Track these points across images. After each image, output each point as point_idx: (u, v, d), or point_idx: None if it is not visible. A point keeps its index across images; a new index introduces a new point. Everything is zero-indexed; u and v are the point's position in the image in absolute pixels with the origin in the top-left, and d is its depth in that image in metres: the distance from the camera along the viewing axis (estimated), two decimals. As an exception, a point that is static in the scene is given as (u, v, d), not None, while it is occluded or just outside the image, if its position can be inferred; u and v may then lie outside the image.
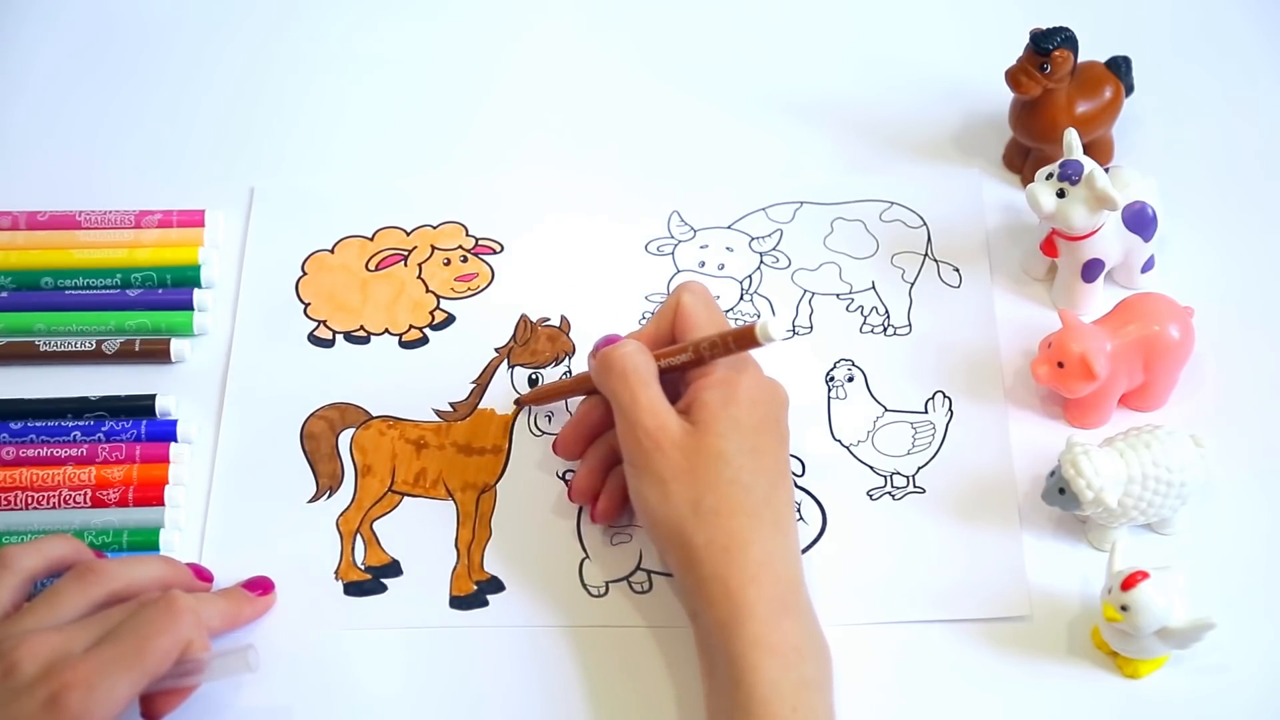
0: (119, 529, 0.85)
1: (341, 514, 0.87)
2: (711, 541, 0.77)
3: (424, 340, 0.93)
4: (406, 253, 0.96)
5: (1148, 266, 0.92)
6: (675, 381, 0.82)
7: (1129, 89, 0.96)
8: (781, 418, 0.82)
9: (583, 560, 0.85)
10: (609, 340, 0.82)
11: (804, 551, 0.85)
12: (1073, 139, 0.89)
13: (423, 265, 0.95)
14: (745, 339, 0.79)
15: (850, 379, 0.91)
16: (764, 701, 0.74)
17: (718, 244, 0.96)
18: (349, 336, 0.93)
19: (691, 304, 0.83)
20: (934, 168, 0.99)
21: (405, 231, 0.97)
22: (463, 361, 0.91)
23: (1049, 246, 0.91)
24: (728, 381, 0.80)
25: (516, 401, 0.90)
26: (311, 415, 0.90)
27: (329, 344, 0.93)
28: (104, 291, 0.94)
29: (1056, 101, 0.93)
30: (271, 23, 1.06)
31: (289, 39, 1.05)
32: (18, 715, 0.71)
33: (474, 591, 0.84)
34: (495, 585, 0.84)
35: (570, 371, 0.91)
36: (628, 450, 0.80)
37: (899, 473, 0.88)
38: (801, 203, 0.97)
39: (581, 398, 0.86)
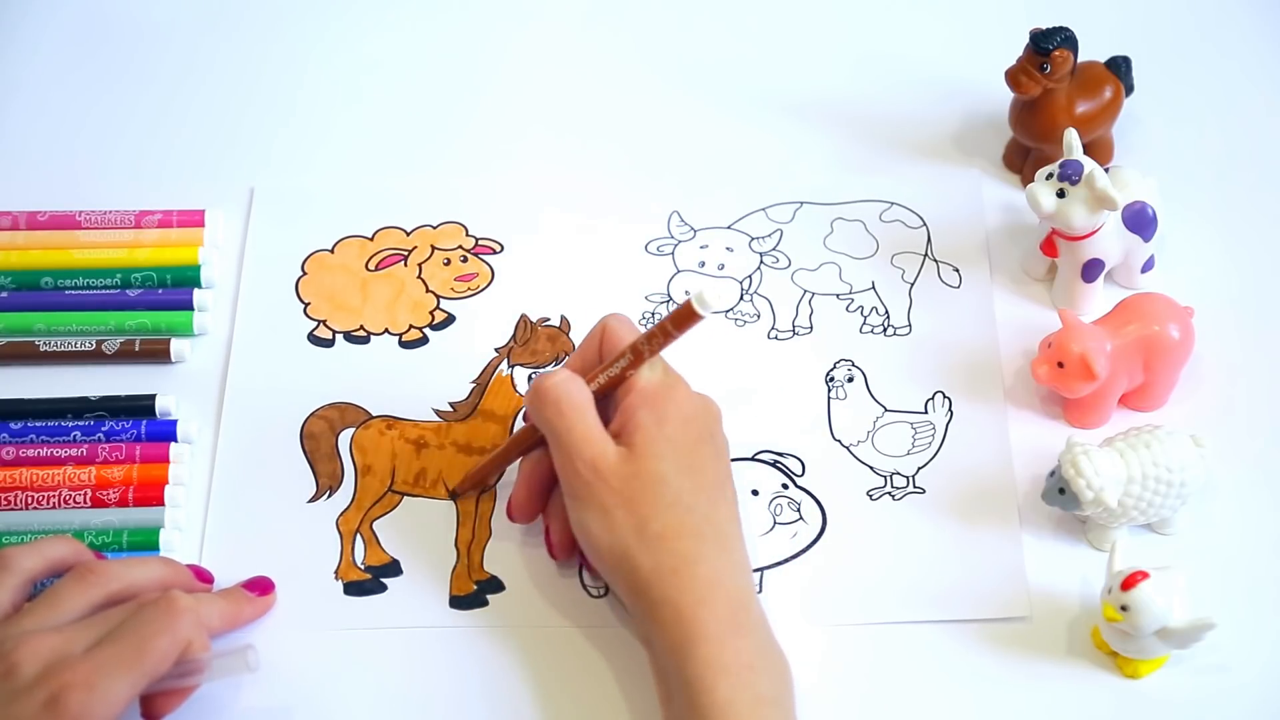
0: (119, 529, 0.85)
1: (341, 514, 0.87)
2: (659, 565, 0.76)
3: (424, 340, 0.93)
4: (406, 253, 0.96)
5: (1148, 266, 0.92)
6: (604, 405, 0.80)
7: (1129, 89, 0.96)
8: (715, 431, 0.81)
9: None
10: None
11: (804, 552, 0.85)
12: (1073, 139, 0.89)
13: (423, 265, 0.95)
14: (685, 317, 0.77)
15: (850, 379, 0.91)
16: None
17: (718, 244, 0.96)
18: (349, 336, 0.93)
19: (617, 326, 0.81)
20: (934, 168, 0.99)
21: (405, 231, 0.96)
22: (463, 361, 0.91)
23: (1049, 246, 0.91)
24: (658, 401, 0.79)
25: (452, 494, 0.87)
26: (311, 415, 0.90)
27: (329, 344, 0.93)
28: (104, 291, 0.94)
29: (1056, 101, 0.93)
30: (271, 22, 1.06)
31: (289, 38, 1.05)
32: (18, 716, 0.71)
33: (474, 591, 0.84)
34: (495, 585, 0.84)
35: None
36: (567, 482, 0.79)
37: (899, 473, 0.88)
38: (801, 203, 0.97)
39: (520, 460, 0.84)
